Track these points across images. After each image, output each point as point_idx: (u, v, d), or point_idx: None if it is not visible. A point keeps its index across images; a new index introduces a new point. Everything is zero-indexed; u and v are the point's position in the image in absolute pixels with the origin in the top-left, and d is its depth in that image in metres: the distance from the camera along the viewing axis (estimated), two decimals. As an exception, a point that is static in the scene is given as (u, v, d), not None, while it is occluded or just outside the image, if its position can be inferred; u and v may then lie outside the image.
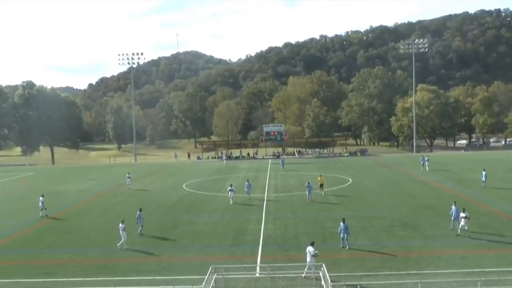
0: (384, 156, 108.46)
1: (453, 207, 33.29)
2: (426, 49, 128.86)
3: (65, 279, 25.92)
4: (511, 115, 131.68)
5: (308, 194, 46.76)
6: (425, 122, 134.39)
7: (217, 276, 22.54)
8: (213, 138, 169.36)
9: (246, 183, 50.40)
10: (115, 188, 62.73)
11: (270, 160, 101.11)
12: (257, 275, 24.33)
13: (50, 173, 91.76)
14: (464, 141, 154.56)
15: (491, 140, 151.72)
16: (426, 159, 73.05)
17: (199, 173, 76.79)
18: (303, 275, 24.45)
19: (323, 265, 22.08)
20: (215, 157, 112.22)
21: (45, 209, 44.15)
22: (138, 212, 35.85)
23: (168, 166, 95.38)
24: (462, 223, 31.34)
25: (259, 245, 31.62)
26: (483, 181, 53.21)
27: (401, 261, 27.22)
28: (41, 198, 44.75)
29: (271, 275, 22.61)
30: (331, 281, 20.31)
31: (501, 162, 73.45)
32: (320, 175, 54.32)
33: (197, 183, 64.79)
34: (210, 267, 22.54)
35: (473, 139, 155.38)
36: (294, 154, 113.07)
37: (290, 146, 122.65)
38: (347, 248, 29.24)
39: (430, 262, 26.94)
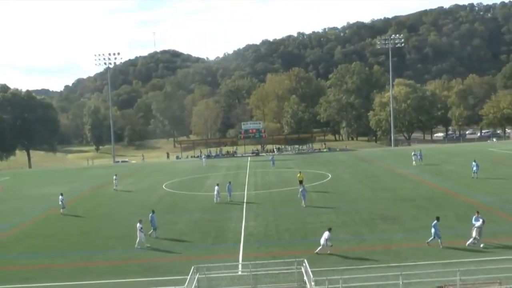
0: (363, 150, 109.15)
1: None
2: (403, 44, 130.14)
3: (46, 284, 25.65)
4: (486, 107, 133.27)
5: (304, 198, 42.77)
6: (403, 116, 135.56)
7: (199, 276, 22.46)
8: (192, 137, 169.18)
9: (228, 185, 48.95)
10: (94, 190, 62.28)
11: (249, 157, 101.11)
12: (240, 273, 24.32)
13: (26, 177, 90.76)
14: (441, 134, 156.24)
15: (467, 132, 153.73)
16: (419, 153, 71.49)
17: (179, 173, 76.50)
18: (316, 251, 27.46)
19: (305, 260, 22.14)
20: (194, 156, 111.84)
21: (64, 207, 45.01)
22: (151, 214, 34.76)
23: (147, 166, 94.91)
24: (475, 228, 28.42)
25: (240, 243, 31.62)
26: (474, 172, 53.47)
27: (382, 254, 27.43)
28: (60, 197, 45.60)
29: (253, 273, 22.62)
30: (313, 276, 20.37)
31: (477, 154, 74.28)
32: (300, 172, 54.45)
33: (176, 182, 64.56)
34: (192, 267, 22.47)
35: (449, 132, 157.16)
36: (273, 151, 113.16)
37: (269, 143, 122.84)
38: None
39: (411, 254, 27.19)
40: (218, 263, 24.23)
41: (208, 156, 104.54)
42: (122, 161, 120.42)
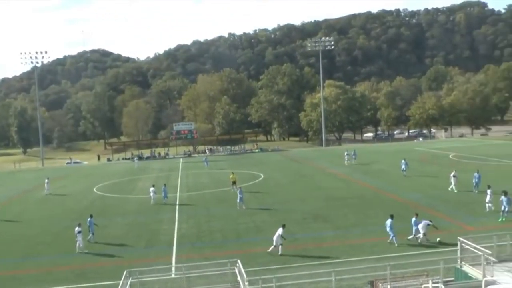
0: (294, 150, 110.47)
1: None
2: (332, 47, 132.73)
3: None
4: (412, 108, 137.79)
5: (240, 201, 41.78)
6: (333, 116, 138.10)
7: (132, 280, 22.06)
8: (123, 138, 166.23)
9: (163, 187, 48.13)
10: (22, 195, 60.13)
11: (181, 159, 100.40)
12: (173, 275, 24.07)
13: None
14: (370, 134, 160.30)
15: (395, 132, 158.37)
16: (353, 152, 72.64)
17: (110, 175, 75.05)
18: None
19: (238, 261, 22.17)
20: (125, 158, 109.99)
21: None
22: (89, 219, 33.63)
23: (78, 170, 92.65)
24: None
25: (173, 245, 31.37)
26: (403, 170, 55.08)
27: (314, 252, 27.90)
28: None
29: (186, 275, 22.46)
30: (247, 276, 20.43)
31: (405, 153, 76.61)
32: (232, 173, 54.50)
33: (108, 185, 63.28)
34: (125, 271, 22.02)
35: (379, 132, 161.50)
36: (205, 152, 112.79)
37: (201, 144, 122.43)
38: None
39: (342, 251, 27.76)
40: (151, 267, 23.92)
41: (140, 158, 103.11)
42: (75, 162, 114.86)
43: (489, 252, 20.00)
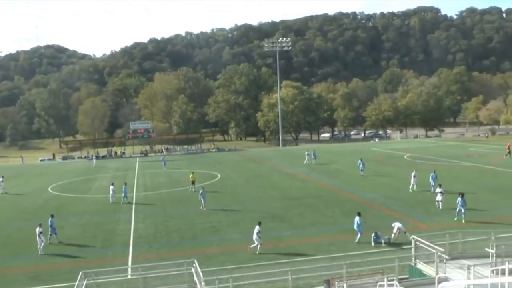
0: (252, 150, 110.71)
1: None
2: (290, 48, 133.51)
3: None
4: (368, 109, 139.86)
5: (203, 200, 41.15)
6: (290, 117, 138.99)
7: (87, 282, 21.72)
8: (79, 137, 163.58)
9: (124, 186, 47.43)
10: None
11: (138, 158, 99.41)
12: (129, 276, 23.89)
13: None
14: (327, 134, 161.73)
15: (352, 132, 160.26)
16: (313, 152, 73.03)
17: (65, 175, 73.62)
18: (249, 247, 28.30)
19: (195, 261, 22.11)
20: (81, 157, 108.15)
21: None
22: (50, 219, 32.88)
23: (32, 168, 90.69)
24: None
25: (130, 245, 31.07)
26: (361, 170, 56.12)
27: (271, 251, 28.04)
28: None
29: (143, 276, 22.28)
30: (204, 276, 20.39)
31: (361, 153, 77.73)
32: (192, 172, 54.26)
33: (63, 185, 62.07)
34: (80, 273, 21.67)
35: (335, 132, 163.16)
36: (162, 151, 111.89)
37: (158, 143, 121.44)
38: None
39: (299, 250, 28.02)
40: (107, 268, 23.65)
41: (96, 157, 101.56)
42: (48, 159, 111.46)
43: (442, 250, 20.54)
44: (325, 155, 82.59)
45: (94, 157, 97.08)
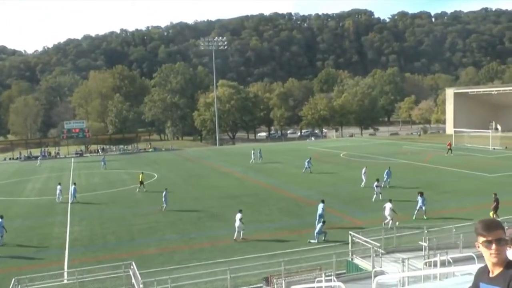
0: (189, 150, 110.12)
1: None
2: (226, 47, 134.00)
3: None
4: (305, 109, 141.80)
5: (165, 202, 40.16)
6: (227, 116, 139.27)
7: (21, 288, 21.21)
8: (10, 137, 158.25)
9: (73, 186, 47.07)
10: None
11: (73, 158, 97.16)
12: (65, 281, 23.38)
13: None
14: (264, 133, 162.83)
15: (288, 131, 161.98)
16: (259, 151, 73.39)
17: (-6, 176, 71.23)
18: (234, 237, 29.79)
19: (132, 263, 21.94)
20: (13, 158, 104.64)
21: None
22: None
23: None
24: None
25: (65, 249, 30.37)
26: (307, 168, 56.99)
27: (209, 251, 28.13)
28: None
29: (79, 280, 21.92)
30: (142, 278, 20.26)
31: (298, 152, 78.86)
32: (142, 173, 53.53)
33: (-8, 187, 60.06)
34: (13, 279, 21.06)
35: (272, 131, 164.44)
36: (98, 151, 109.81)
37: (94, 143, 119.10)
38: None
39: (237, 249, 28.20)
40: (41, 273, 23.04)
41: (29, 158, 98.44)
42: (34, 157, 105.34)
43: (378, 244, 21.22)
44: (263, 154, 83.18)
45: (39, 157, 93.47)
